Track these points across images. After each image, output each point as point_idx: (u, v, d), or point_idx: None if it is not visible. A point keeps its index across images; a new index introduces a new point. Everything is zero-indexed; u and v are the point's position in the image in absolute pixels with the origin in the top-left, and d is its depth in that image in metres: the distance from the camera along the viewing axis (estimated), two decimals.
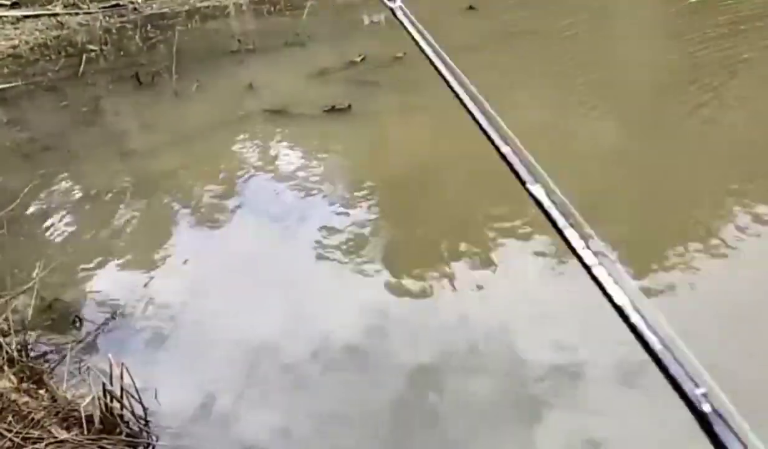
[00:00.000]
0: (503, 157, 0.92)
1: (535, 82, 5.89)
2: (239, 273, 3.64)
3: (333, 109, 5.61)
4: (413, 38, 1.27)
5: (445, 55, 1.18)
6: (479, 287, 3.28)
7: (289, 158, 5.03)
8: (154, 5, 10.83)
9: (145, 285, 3.61)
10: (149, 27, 9.48)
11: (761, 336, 2.72)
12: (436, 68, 1.18)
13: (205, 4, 10.62)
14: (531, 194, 0.84)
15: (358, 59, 6.92)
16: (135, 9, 10.53)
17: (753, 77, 5.37)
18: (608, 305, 0.72)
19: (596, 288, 0.76)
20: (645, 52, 6.60)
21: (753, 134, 4.49)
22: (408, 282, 3.40)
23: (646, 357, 0.65)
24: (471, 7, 8.52)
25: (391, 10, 1.40)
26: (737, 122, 4.70)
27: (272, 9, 9.87)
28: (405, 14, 1.36)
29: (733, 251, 3.31)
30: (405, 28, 1.31)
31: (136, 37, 9.02)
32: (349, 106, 5.61)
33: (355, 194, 4.35)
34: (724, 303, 2.97)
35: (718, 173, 4.08)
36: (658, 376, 0.63)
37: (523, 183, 0.88)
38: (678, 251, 3.36)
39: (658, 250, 3.42)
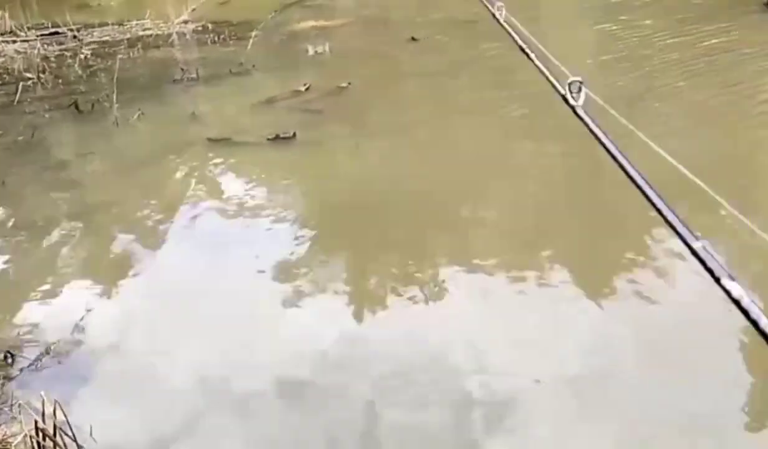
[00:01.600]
0: (694, 253, 0.92)
1: (474, 109, 6.01)
2: (180, 306, 3.57)
3: (277, 138, 5.60)
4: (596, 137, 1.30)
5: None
6: (421, 314, 3.29)
7: (232, 186, 4.99)
8: (95, 33, 10.65)
9: (82, 319, 3.50)
10: (89, 55, 9.30)
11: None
12: (619, 164, 1.19)
13: (148, 32, 10.50)
14: (726, 291, 0.84)
15: (303, 89, 6.94)
16: (75, 37, 10.33)
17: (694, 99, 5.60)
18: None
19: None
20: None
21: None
22: (349, 311, 3.40)
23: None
24: (413, 39, 8.68)
25: (572, 108, 1.45)
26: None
27: (216, 38, 9.82)
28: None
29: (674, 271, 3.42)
30: (588, 127, 1.36)
31: (76, 65, 8.84)
32: (294, 134, 5.61)
33: (300, 222, 4.34)
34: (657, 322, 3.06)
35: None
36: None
37: (717, 280, 0.87)
38: (624, 265, 3.45)
39: (604, 267, 3.51)
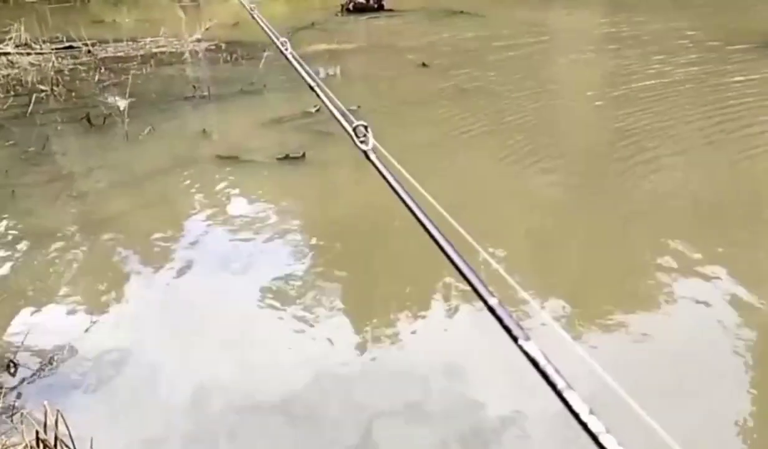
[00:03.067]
0: (491, 310, 0.88)
1: (481, 139, 6.04)
2: (184, 322, 3.56)
3: (287, 158, 5.63)
4: (387, 181, 1.29)
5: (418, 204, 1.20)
6: (430, 340, 3.28)
7: (240, 204, 5.00)
8: (109, 48, 10.78)
9: (86, 331, 3.50)
10: (103, 70, 9.40)
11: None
12: (412, 212, 1.18)
13: (161, 49, 10.62)
14: (525, 352, 0.80)
15: (313, 110, 6.99)
16: (89, 51, 10.45)
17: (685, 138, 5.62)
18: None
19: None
20: (586, 113, 6.85)
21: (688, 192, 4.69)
22: (358, 333, 3.38)
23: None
24: (424, 65, 8.76)
25: (365, 153, 1.40)
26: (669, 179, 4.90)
27: (229, 58, 9.93)
28: (378, 158, 1.38)
29: (670, 304, 3.41)
30: (379, 171, 1.33)
31: (89, 79, 8.94)
32: (303, 154, 5.64)
33: (306, 243, 4.34)
34: (661, 352, 3.04)
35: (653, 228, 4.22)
36: None
37: (515, 339, 0.83)
38: (617, 303, 3.44)
39: (600, 305, 3.49)
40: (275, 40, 2.18)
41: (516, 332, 0.84)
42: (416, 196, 1.22)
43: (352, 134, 1.44)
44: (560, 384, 0.76)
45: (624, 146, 5.58)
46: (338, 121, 1.54)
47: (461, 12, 12.44)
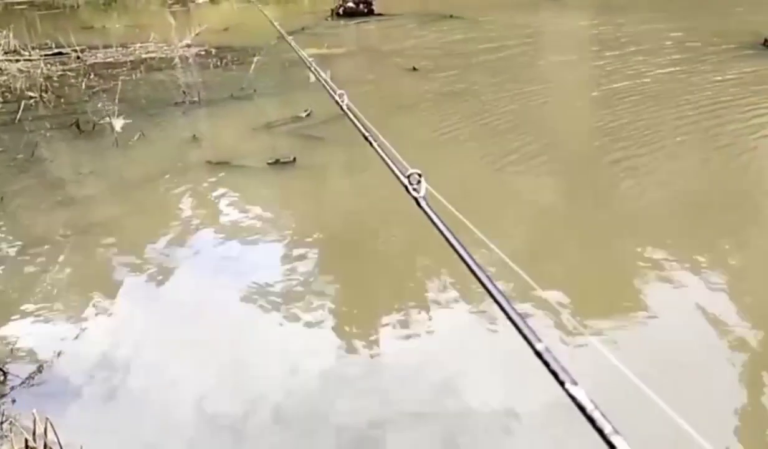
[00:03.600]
0: (539, 355, 0.89)
1: (472, 143, 6.05)
2: (176, 328, 3.55)
3: (277, 163, 5.63)
4: (438, 230, 1.30)
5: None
6: (420, 342, 3.28)
7: (231, 210, 4.99)
8: (98, 54, 10.75)
9: (76, 338, 3.48)
10: (92, 76, 9.38)
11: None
12: (463, 260, 1.19)
13: (151, 55, 10.61)
14: (572, 398, 0.81)
15: (304, 114, 7.00)
16: (78, 57, 10.42)
17: (679, 140, 5.65)
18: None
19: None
20: (575, 115, 6.88)
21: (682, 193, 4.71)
22: (350, 338, 3.38)
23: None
24: (414, 69, 8.78)
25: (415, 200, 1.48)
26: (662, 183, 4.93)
27: (219, 63, 9.92)
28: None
29: (666, 304, 3.42)
30: (431, 220, 1.36)
31: (78, 85, 8.91)
32: (294, 159, 5.64)
33: (298, 247, 4.33)
34: (658, 351, 3.05)
35: (649, 231, 4.24)
36: None
37: (561, 384, 0.84)
38: (616, 304, 3.45)
39: (598, 303, 3.51)
40: (333, 94, 2.27)
41: (563, 376, 0.85)
42: (469, 238, 1.24)
43: (406, 182, 1.51)
44: (607, 429, 0.76)
45: (615, 147, 5.61)
46: (392, 170, 1.62)
47: (451, 16, 12.49)
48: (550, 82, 8.24)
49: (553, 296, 3.59)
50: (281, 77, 9.07)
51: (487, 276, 1.11)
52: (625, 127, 6.09)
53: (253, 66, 9.05)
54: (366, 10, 13.89)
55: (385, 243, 4.40)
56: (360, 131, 1.92)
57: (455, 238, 1.24)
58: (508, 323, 1.01)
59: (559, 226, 4.46)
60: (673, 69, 8.01)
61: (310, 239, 4.49)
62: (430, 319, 3.46)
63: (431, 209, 1.34)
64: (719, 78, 7.46)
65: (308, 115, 7.00)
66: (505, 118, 6.56)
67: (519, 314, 0.99)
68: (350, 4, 13.85)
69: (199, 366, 3.21)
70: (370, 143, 1.81)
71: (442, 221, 1.30)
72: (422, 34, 11.66)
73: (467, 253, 1.17)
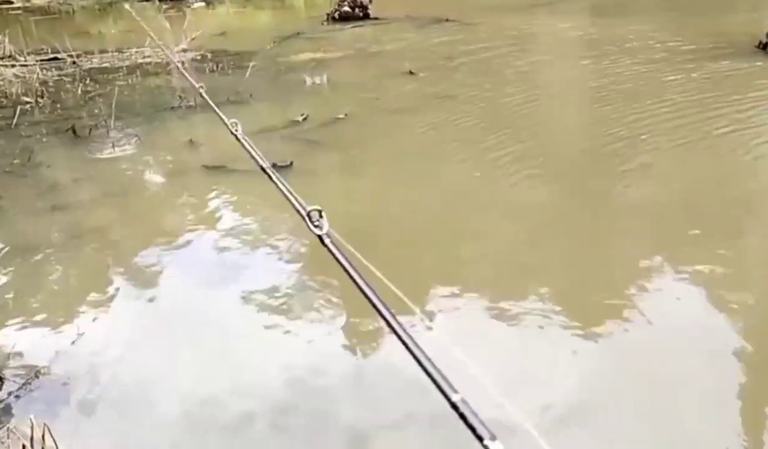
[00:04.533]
0: (454, 407, 0.84)
1: (468, 146, 6.06)
2: (171, 333, 3.54)
3: (274, 167, 5.60)
4: (342, 265, 1.26)
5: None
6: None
7: (228, 214, 4.99)
8: (94, 59, 10.75)
9: (73, 343, 3.47)
10: (88, 81, 9.37)
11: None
12: (368, 299, 1.15)
13: (147, 60, 10.61)
14: None
15: (300, 118, 7.00)
16: (74, 63, 10.41)
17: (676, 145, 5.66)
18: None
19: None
20: (573, 120, 6.90)
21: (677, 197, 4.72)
22: (345, 341, 3.37)
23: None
24: (411, 72, 8.79)
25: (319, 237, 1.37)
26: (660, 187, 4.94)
27: (215, 67, 9.92)
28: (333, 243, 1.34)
29: (658, 309, 3.43)
30: (335, 257, 1.31)
31: (74, 90, 8.90)
32: (291, 163, 5.64)
33: (294, 251, 4.33)
34: (651, 359, 3.06)
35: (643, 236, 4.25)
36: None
37: (480, 439, 0.80)
38: (608, 307, 3.46)
39: (588, 307, 3.51)
40: (226, 122, 2.13)
41: (481, 431, 0.80)
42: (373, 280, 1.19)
43: (306, 218, 1.43)
44: None
45: (608, 149, 5.61)
46: (292, 204, 1.54)
47: (446, 20, 12.51)
48: (547, 85, 8.26)
49: (546, 293, 3.60)
50: (277, 82, 9.07)
51: (393, 316, 1.06)
52: (622, 128, 6.09)
53: (249, 70, 9.05)
54: (361, 15, 13.90)
55: (386, 248, 4.39)
56: (258, 163, 1.85)
57: (359, 276, 1.19)
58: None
59: (551, 226, 4.46)
60: (669, 72, 8.03)
61: (308, 244, 4.48)
62: (430, 323, 3.45)
63: (336, 248, 1.29)
64: (714, 81, 7.49)
65: (305, 119, 7.00)
66: (509, 122, 6.56)
67: (431, 362, 0.95)
68: (346, 9, 13.86)
69: (195, 370, 3.20)
70: (269, 177, 1.75)
71: (346, 259, 1.25)
72: (418, 37, 11.68)
73: (372, 292, 1.12)
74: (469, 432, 0.79)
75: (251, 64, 9.25)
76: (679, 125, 6.12)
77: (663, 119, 6.29)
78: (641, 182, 5.00)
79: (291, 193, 1.57)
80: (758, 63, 8.06)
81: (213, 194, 5.32)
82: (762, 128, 5.92)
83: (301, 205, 1.48)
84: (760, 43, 8.60)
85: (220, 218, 4.92)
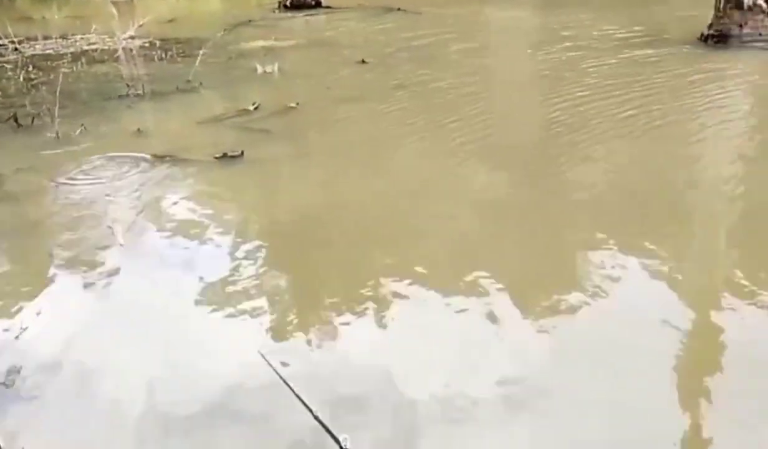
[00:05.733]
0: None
1: (421, 134, 6.10)
2: (119, 326, 3.49)
3: (225, 156, 5.56)
4: None
5: None
6: (370, 337, 3.30)
7: (177, 204, 4.91)
8: (37, 46, 10.43)
9: (17, 338, 3.39)
10: (31, 68, 9.09)
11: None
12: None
13: (93, 47, 10.34)
14: None
15: (252, 107, 6.93)
16: (16, 49, 10.08)
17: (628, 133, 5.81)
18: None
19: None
20: (524, 108, 7.00)
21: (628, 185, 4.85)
22: (297, 333, 3.38)
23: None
24: (364, 61, 8.78)
25: None
26: (609, 175, 5.06)
27: (164, 55, 9.74)
28: None
29: (605, 294, 3.52)
30: None
31: (16, 78, 8.62)
32: (242, 153, 5.59)
33: (245, 241, 4.30)
34: (596, 342, 3.15)
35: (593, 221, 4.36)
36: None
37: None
38: (555, 294, 3.54)
39: (536, 293, 3.58)
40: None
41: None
42: None
43: None
44: None
45: (554, 140, 5.71)
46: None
47: (398, 9, 12.51)
48: (497, 74, 8.37)
49: (495, 280, 3.66)
50: (228, 70, 8.96)
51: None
52: (568, 116, 6.21)
53: (199, 58, 8.90)
54: (314, 3, 13.81)
55: (338, 237, 4.40)
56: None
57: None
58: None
59: (501, 213, 4.54)
60: (615, 63, 8.21)
61: (258, 233, 4.46)
62: (383, 313, 3.47)
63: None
64: (659, 72, 7.68)
65: (256, 108, 6.93)
66: (458, 111, 6.61)
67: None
68: None
69: (145, 364, 3.16)
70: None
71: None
72: (371, 27, 11.67)
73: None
74: None
75: (201, 51, 9.10)
76: (622, 112, 6.28)
77: (607, 108, 6.44)
78: (587, 169, 5.12)
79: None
80: (701, 55, 8.30)
81: (163, 183, 5.23)
82: (703, 116, 6.12)
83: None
84: (702, 34, 8.85)
85: (170, 207, 4.85)
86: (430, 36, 10.25)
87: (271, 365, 2.55)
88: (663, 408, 2.71)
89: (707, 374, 2.96)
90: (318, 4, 13.83)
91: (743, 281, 3.53)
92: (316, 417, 2.47)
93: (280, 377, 2.46)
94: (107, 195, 5.07)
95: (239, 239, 4.34)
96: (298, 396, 2.45)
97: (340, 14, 12.99)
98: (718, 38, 8.66)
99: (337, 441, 2.21)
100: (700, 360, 3.08)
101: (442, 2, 12.99)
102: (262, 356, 2.70)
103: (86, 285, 3.90)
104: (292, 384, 2.43)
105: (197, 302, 3.65)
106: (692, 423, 2.66)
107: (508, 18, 11.74)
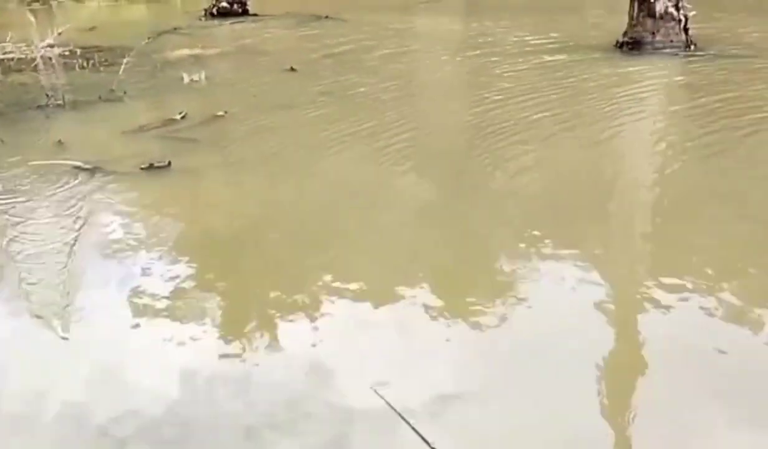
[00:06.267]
0: None
1: (348, 140, 6.17)
2: (46, 343, 3.41)
3: (151, 167, 5.48)
4: None
5: None
6: (305, 344, 3.32)
7: (103, 217, 4.81)
8: None
9: None
10: None
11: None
12: None
13: (9, 56, 9.96)
14: None
15: (179, 117, 6.85)
16: None
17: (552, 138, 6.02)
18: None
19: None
20: (442, 113, 7.16)
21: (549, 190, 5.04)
22: (230, 343, 3.37)
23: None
24: (292, 69, 8.79)
25: None
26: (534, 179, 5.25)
27: (85, 64, 9.48)
28: None
29: (535, 296, 3.67)
30: None
31: None
32: (169, 163, 5.51)
33: (176, 254, 4.26)
34: (523, 343, 3.28)
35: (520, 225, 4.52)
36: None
37: None
38: (481, 299, 3.66)
39: (463, 298, 3.70)
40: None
41: None
42: None
43: None
44: None
45: (488, 148, 5.84)
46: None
47: (326, 17, 12.55)
48: (423, 80, 8.53)
49: (425, 282, 3.76)
50: (153, 79, 8.79)
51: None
52: (492, 122, 6.38)
53: (123, 67, 8.71)
54: (240, 10, 13.68)
55: (269, 246, 4.41)
56: None
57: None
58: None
59: (429, 217, 4.65)
60: (529, 68, 8.47)
61: (188, 243, 4.43)
62: (316, 320, 3.50)
63: None
64: (573, 76, 7.98)
65: (183, 117, 6.85)
66: (386, 118, 6.70)
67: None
68: (224, 4, 13.60)
69: (76, 378, 3.11)
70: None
71: None
72: (299, 34, 11.67)
73: None
74: None
75: (125, 60, 8.91)
76: (534, 115, 6.51)
77: (520, 111, 6.66)
78: (511, 171, 5.28)
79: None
80: (616, 61, 8.67)
81: (87, 196, 5.10)
82: (612, 117, 6.40)
83: None
84: (617, 42, 9.25)
85: (95, 221, 4.75)
86: (359, 43, 10.33)
87: (384, 399, 2.73)
88: (589, 408, 2.82)
89: (630, 369, 3.11)
90: (245, 12, 13.71)
91: (660, 277, 3.71)
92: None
93: (395, 410, 2.65)
94: (28, 210, 4.93)
95: (170, 250, 4.29)
96: (415, 430, 2.60)
97: (268, 22, 12.93)
98: (632, 45, 9.07)
99: None
100: (620, 356, 3.21)
101: (371, 11, 13.10)
102: (375, 391, 2.79)
103: (11, 303, 3.80)
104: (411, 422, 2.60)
105: (129, 315, 3.59)
106: (616, 420, 2.77)
107: (431, 25, 11.95)
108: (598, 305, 3.50)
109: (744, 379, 2.90)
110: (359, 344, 3.33)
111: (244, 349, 3.31)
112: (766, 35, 9.42)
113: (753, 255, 3.95)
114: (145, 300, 3.72)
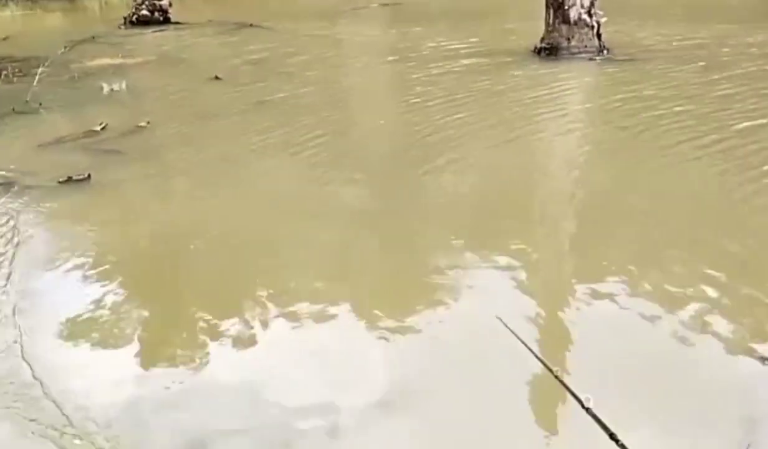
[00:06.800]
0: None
1: (272, 147, 6.16)
2: None
3: (70, 180, 5.32)
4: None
5: None
6: (239, 359, 3.31)
7: (18, 235, 4.63)
8: None
9: None
10: None
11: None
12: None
13: None
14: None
15: (99, 128, 6.68)
16: None
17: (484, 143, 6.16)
18: None
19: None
20: (378, 120, 7.23)
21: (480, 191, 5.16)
22: (159, 362, 3.32)
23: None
24: (217, 78, 8.70)
25: None
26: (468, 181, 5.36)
27: None
28: None
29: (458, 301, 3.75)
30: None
31: None
32: (89, 176, 5.37)
33: (99, 271, 4.14)
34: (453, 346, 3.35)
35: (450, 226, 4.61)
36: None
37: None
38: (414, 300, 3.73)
39: (400, 303, 3.75)
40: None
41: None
42: None
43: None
44: None
45: (414, 152, 5.91)
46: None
47: (251, 25, 12.47)
48: (350, 87, 8.58)
49: (360, 292, 3.80)
50: (71, 89, 8.54)
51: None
52: (425, 127, 6.46)
53: (37, 78, 8.43)
54: (162, 19, 13.42)
55: (195, 259, 4.35)
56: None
57: None
58: None
59: (364, 226, 4.69)
60: (444, 73, 8.62)
61: (110, 261, 4.32)
62: (250, 332, 3.47)
63: None
64: (489, 80, 8.17)
65: (103, 128, 6.69)
66: (316, 126, 6.70)
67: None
68: (144, 12, 13.32)
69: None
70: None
71: None
72: (223, 43, 11.55)
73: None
74: None
75: (40, 70, 8.63)
76: (449, 117, 6.65)
77: (433, 114, 6.79)
78: (445, 177, 5.35)
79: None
80: (534, 66, 8.95)
81: (2, 213, 4.92)
82: (550, 123, 6.58)
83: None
84: (535, 47, 9.55)
85: (10, 238, 4.58)
86: (284, 52, 10.31)
87: (507, 327, 2.78)
88: (522, 408, 2.88)
89: (562, 368, 3.21)
90: (166, 21, 13.46)
91: (591, 276, 3.81)
92: (556, 377, 2.58)
93: (518, 337, 2.70)
94: None
95: (92, 268, 4.18)
96: (537, 356, 2.72)
97: (191, 30, 12.75)
98: (549, 50, 9.37)
99: (580, 401, 2.33)
100: (554, 350, 3.30)
101: (295, 19, 13.08)
102: (500, 319, 2.86)
103: None
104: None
105: (54, 335, 3.49)
106: (548, 420, 2.84)
107: (355, 33, 12.01)
108: (525, 307, 3.58)
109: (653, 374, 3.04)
110: (294, 353, 3.32)
111: (165, 364, 3.27)
112: (660, 39, 9.92)
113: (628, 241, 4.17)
114: (61, 320, 3.61)
